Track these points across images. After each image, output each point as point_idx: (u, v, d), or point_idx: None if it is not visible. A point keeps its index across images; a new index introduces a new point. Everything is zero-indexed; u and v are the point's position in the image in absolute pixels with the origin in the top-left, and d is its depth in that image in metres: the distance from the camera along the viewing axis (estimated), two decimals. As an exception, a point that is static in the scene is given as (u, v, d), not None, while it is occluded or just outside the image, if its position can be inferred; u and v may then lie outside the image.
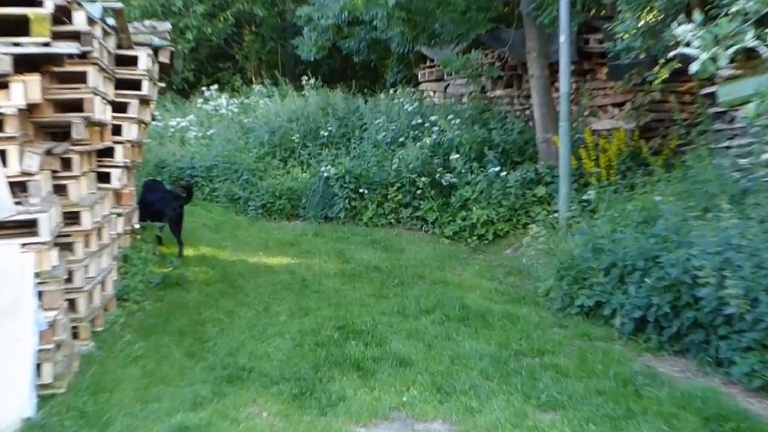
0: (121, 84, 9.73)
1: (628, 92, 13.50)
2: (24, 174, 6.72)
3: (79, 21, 7.78)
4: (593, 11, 14.28)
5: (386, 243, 13.40)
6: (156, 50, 10.67)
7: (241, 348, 8.14)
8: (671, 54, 5.54)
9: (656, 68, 10.90)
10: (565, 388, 6.92)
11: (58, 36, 7.34)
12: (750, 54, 7.74)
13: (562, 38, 11.48)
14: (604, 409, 6.45)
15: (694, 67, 5.10)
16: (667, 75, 10.51)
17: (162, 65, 11.07)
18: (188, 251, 12.44)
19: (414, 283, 10.86)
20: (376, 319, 9.09)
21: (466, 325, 8.86)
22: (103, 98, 8.52)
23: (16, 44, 6.86)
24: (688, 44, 5.11)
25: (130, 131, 9.78)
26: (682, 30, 5.17)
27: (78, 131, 7.68)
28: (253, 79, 28.87)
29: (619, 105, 14.02)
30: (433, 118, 16.52)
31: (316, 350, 8.02)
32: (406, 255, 12.69)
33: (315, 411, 6.58)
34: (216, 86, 25.03)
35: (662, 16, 10.19)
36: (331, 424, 6.37)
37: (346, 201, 15.11)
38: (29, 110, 7.26)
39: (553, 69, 14.00)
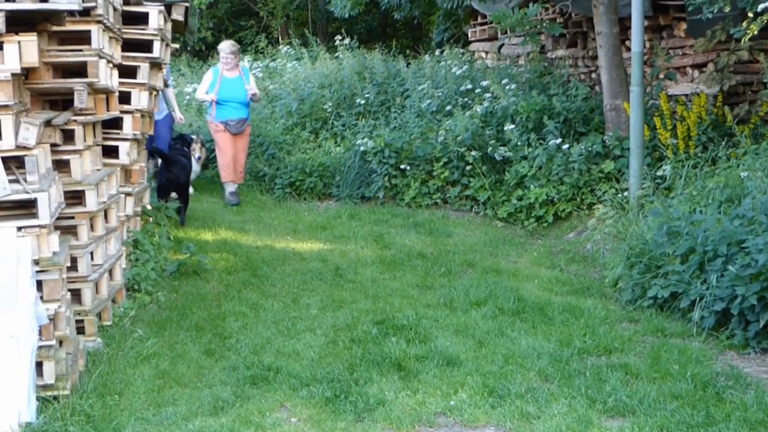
0: (130, 45, 9.79)
1: (710, 51, 13.34)
2: (20, 148, 6.75)
3: (81, -27, 7.82)
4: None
5: (431, 226, 13.40)
6: (169, 6, 10.71)
7: (266, 345, 8.21)
8: (762, 6, 5.49)
9: (744, 23, 10.80)
10: (635, 392, 6.91)
11: (57, -10, 7.40)
12: None
13: (634, -11, 11.44)
14: (681, 414, 6.44)
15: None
16: (756, 31, 10.39)
17: (175, 23, 11.12)
18: (207, 236, 12.54)
19: (463, 272, 10.88)
20: (419, 312, 9.12)
21: (522, 320, 8.87)
22: (109, 61, 8.55)
23: None
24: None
25: (140, 99, 9.81)
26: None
27: (81, 99, 7.72)
28: (280, 39, 28.99)
29: (700, 66, 13.89)
30: (484, 83, 16.48)
31: (352, 348, 8.07)
32: (453, 240, 12.70)
33: (350, 416, 6.63)
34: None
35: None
36: (368, 431, 6.42)
37: (386, 178, 15.09)
38: (25, 75, 7.32)
39: (623, 25, 13.91)
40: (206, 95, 14.92)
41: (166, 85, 13.39)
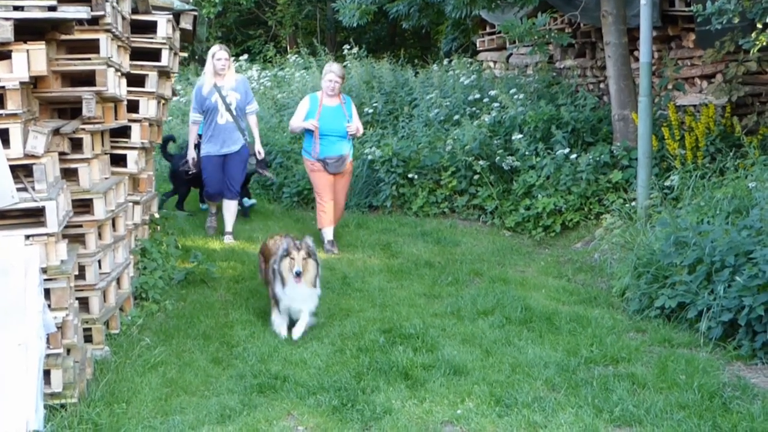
0: (138, 54, 9.82)
1: (718, 62, 13.35)
2: (28, 156, 6.77)
3: (89, -19, 7.84)
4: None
5: (439, 235, 13.42)
6: (177, 15, 10.74)
7: (273, 354, 8.23)
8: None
9: (753, 34, 10.80)
10: (642, 401, 6.93)
11: (65, -1, 7.42)
12: None
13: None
14: (687, 424, 6.45)
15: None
16: (765, 42, 10.40)
17: (184, 32, 11.14)
18: (214, 244, 12.57)
19: (470, 281, 10.89)
20: (426, 321, 9.13)
21: (530, 329, 8.88)
22: (118, 70, 8.58)
23: (18, 8, 6.84)
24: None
25: (149, 108, 9.84)
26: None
27: (89, 108, 7.73)
28: (288, 48, 29.03)
29: (709, 77, 13.90)
30: (492, 92, 16.50)
31: (359, 356, 8.09)
32: (461, 249, 12.71)
33: (357, 425, 6.65)
34: (246, 56, 25.23)
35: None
36: (374, 439, 6.45)
37: (393, 187, 15.13)
38: (34, 84, 7.34)
39: (632, 36, 13.92)
40: (304, 122, 12.42)
41: (230, 112, 12.81)
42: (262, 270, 9.86)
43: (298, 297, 8.83)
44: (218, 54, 12.64)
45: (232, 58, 13.47)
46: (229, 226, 13.07)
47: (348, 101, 12.84)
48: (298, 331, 8.79)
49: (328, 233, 12.60)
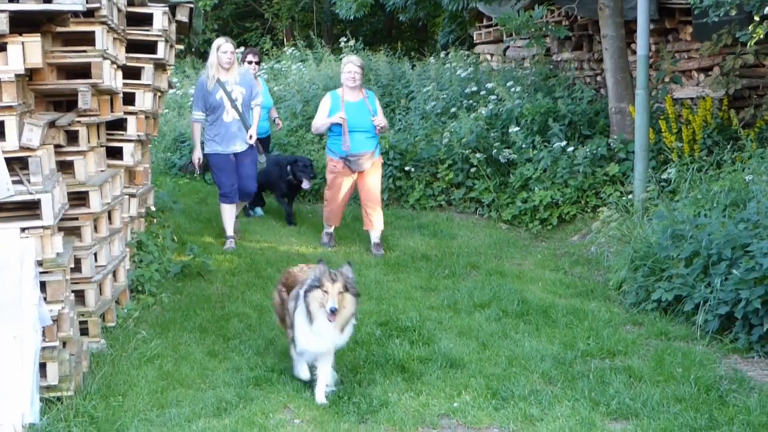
0: (134, 46, 9.79)
1: (716, 55, 13.32)
2: (24, 149, 6.77)
3: (84, -27, 7.83)
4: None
5: (435, 228, 13.42)
6: (173, 7, 10.72)
7: (269, 347, 8.24)
8: (768, 9, 5.48)
9: (750, 27, 10.80)
10: (638, 394, 6.93)
11: (61, -9, 7.41)
12: None
13: (640, -8, 11.44)
14: (684, 417, 6.45)
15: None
16: (762, 35, 10.39)
17: (180, 24, 11.12)
18: (210, 238, 12.55)
19: (467, 274, 10.90)
20: (423, 314, 9.14)
21: (526, 322, 8.89)
22: (113, 62, 8.57)
23: (13, 0, 6.89)
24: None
25: (144, 100, 9.81)
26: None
27: (85, 100, 7.72)
28: (285, 40, 28.97)
29: (706, 70, 13.88)
30: (489, 85, 16.48)
31: (355, 349, 8.09)
32: (457, 242, 12.71)
33: (353, 418, 6.66)
34: (242, 49, 25.12)
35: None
36: (371, 432, 6.45)
37: (390, 180, 15.10)
38: (29, 76, 7.34)
39: (629, 28, 13.90)
40: (330, 118, 11.91)
41: (236, 109, 12.05)
42: (278, 305, 7.90)
43: (326, 338, 7.03)
44: (224, 47, 11.85)
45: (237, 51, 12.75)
46: (230, 229, 12.26)
47: (371, 96, 12.36)
48: (321, 393, 7.09)
49: (329, 228, 12.57)
